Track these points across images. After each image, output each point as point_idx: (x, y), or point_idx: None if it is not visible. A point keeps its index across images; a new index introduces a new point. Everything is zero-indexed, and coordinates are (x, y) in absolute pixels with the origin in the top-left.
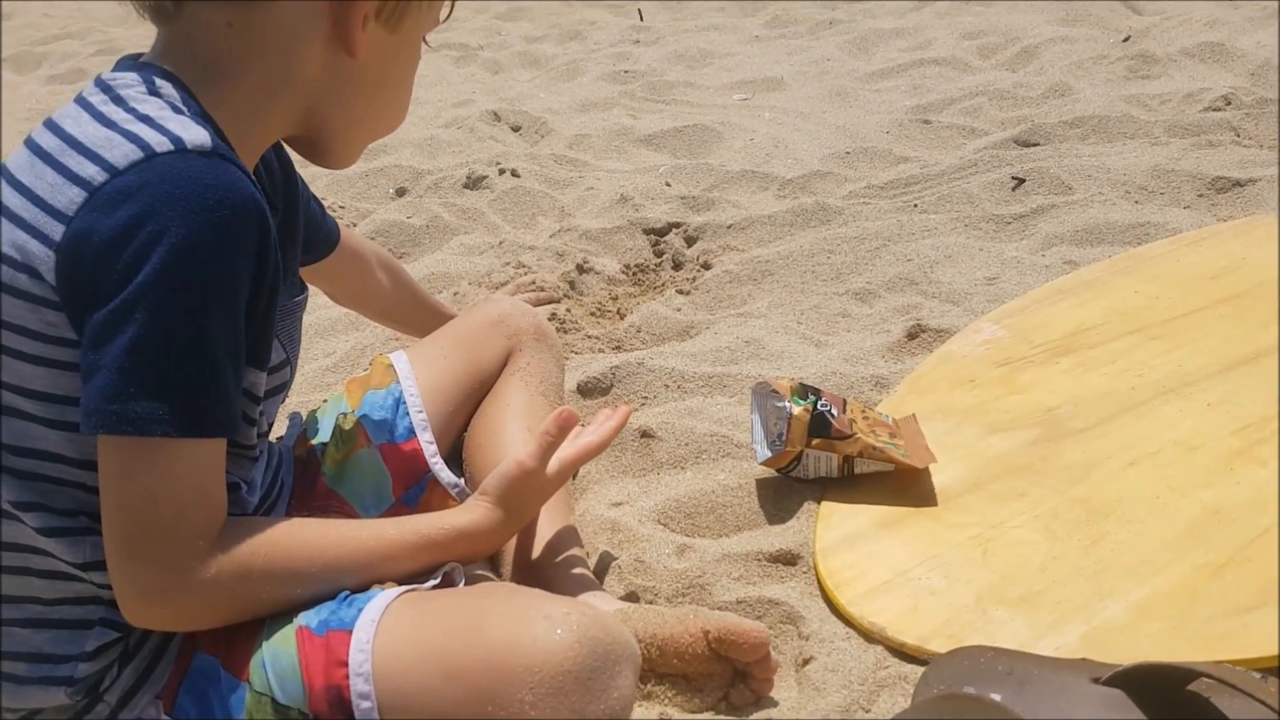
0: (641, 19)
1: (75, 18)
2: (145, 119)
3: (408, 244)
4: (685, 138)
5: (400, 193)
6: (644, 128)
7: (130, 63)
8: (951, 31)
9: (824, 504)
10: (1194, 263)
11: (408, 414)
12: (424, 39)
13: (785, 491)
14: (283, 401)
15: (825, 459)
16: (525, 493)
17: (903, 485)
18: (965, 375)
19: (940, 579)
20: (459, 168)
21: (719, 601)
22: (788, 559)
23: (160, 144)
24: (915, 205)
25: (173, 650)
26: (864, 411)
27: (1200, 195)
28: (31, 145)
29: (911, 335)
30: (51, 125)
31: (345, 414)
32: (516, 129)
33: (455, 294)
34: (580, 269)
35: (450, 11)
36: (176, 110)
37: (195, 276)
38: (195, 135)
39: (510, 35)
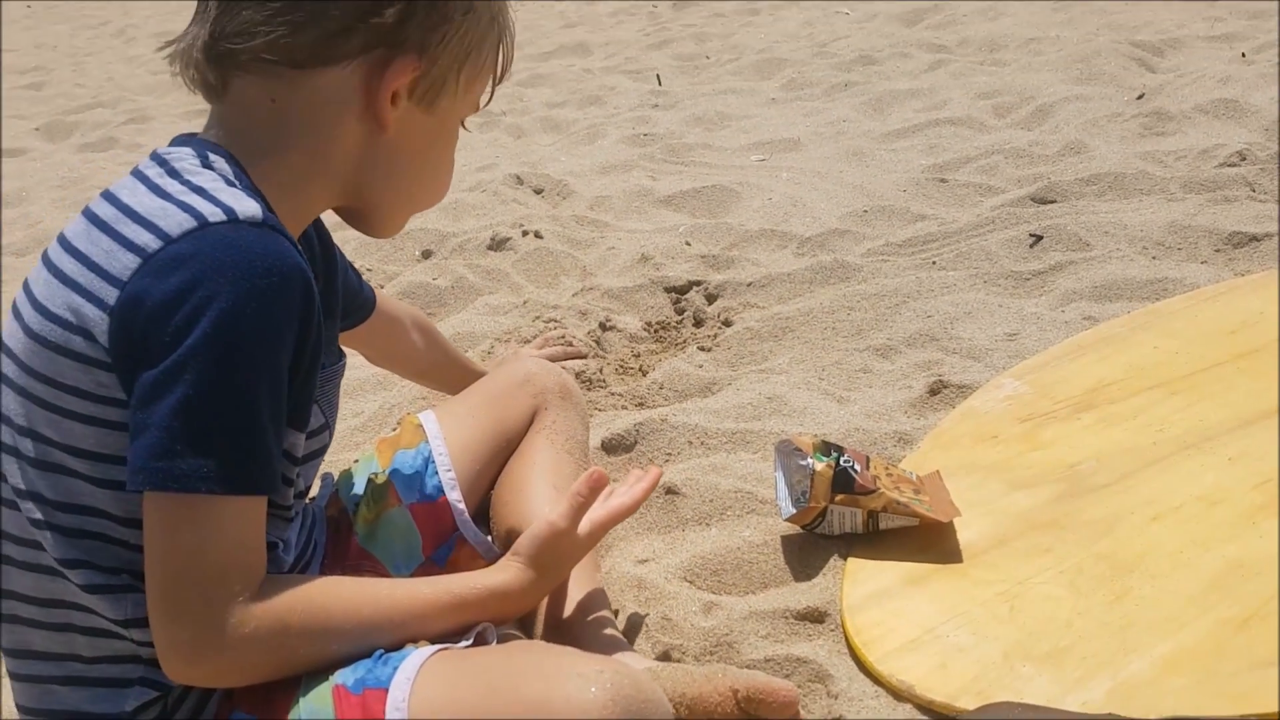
0: (660, 84)
1: (106, 87)
2: (198, 190)
3: (434, 305)
4: (704, 198)
5: (426, 255)
6: (663, 189)
7: (185, 138)
8: (966, 92)
9: (850, 560)
10: (1212, 318)
11: (437, 473)
12: (462, 123)
13: (811, 548)
14: (320, 464)
15: (850, 514)
16: (557, 553)
17: (928, 541)
18: (988, 431)
19: (968, 635)
20: (483, 230)
21: (747, 660)
22: (815, 616)
23: (213, 214)
24: (934, 262)
25: (210, 709)
26: (887, 468)
27: (1217, 250)
28: (89, 214)
29: (933, 391)
30: (109, 196)
31: (376, 473)
32: (539, 191)
33: (488, 352)
34: (603, 327)
35: (490, 99)
36: (229, 183)
37: (243, 340)
38: (246, 206)
39: (532, 101)
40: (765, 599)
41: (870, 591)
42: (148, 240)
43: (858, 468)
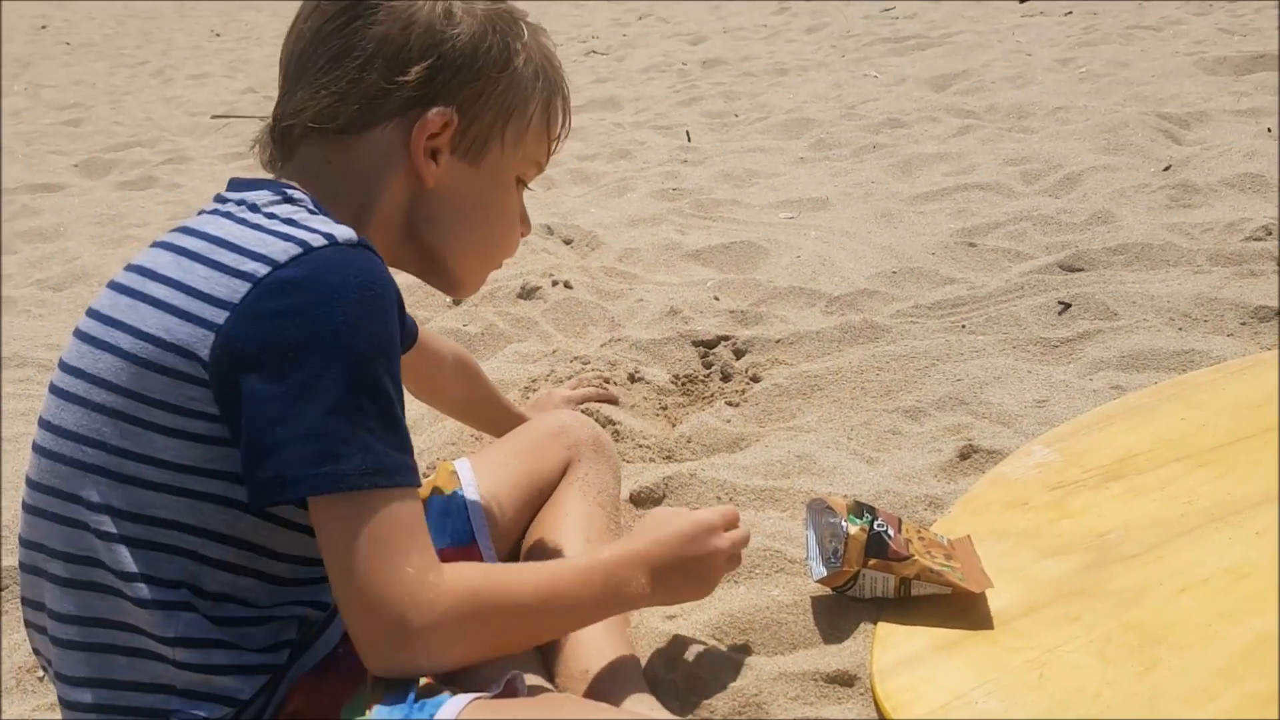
0: (689, 140)
1: (145, 126)
2: (290, 221)
3: (466, 349)
4: (732, 253)
5: (457, 302)
6: (692, 243)
7: (249, 182)
8: (994, 158)
9: (880, 625)
10: (1239, 390)
11: (469, 519)
12: (521, 180)
13: (841, 610)
14: None
15: (882, 580)
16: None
17: (959, 607)
18: (1018, 498)
19: (997, 703)
20: (514, 279)
21: None
22: (845, 680)
23: (315, 240)
24: (963, 326)
25: None
26: (919, 532)
27: (1243, 324)
28: (172, 248)
29: (964, 455)
30: (191, 231)
31: None
32: (568, 242)
33: (523, 396)
34: (631, 378)
35: (548, 158)
36: (312, 213)
37: (367, 346)
38: (343, 231)
39: (562, 154)
40: (794, 660)
41: (900, 656)
42: (254, 267)
43: (891, 532)
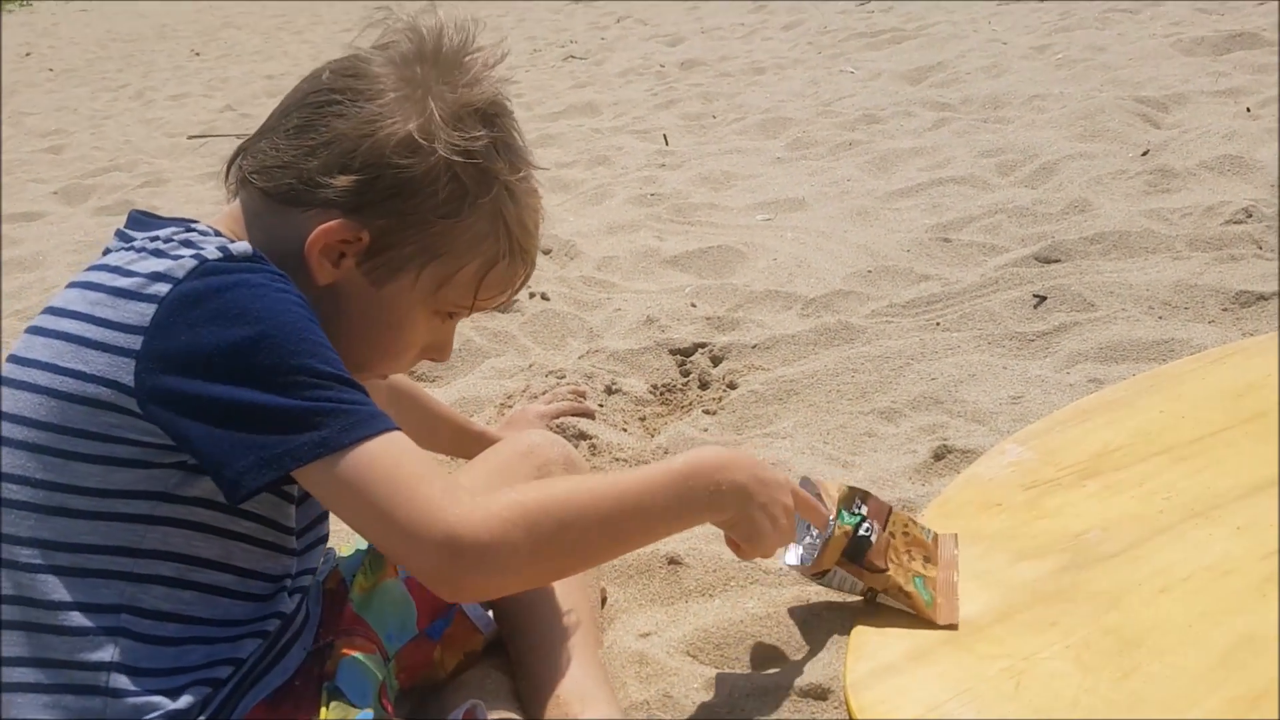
0: (667, 144)
1: (124, 150)
2: (186, 243)
3: (440, 367)
4: (710, 258)
5: None
6: (670, 249)
7: (151, 219)
8: (970, 150)
9: (854, 633)
10: (1219, 380)
11: None
12: (443, 313)
13: (814, 620)
14: (321, 550)
15: (851, 582)
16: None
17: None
18: (992, 499)
19: (973, 713)
20: None
21: None
22: (818, 693)
23: (210, 253)
24: (938, 324)
25: None
26: (906, 527)
27: (1224, 310)
28: (79, 284)
29: (938, 456)
30: (95, 267)
31: None
32: (546, 252)
33: (496, 417)
34: (609, 390)
35: (497, 308)
36: (212, 236)
37: (292, 325)
38: (239, 246)
39: (541, 161)
40: (769, 675)
41: (874, 667)
42: (157, 288)
43: (874, 536)
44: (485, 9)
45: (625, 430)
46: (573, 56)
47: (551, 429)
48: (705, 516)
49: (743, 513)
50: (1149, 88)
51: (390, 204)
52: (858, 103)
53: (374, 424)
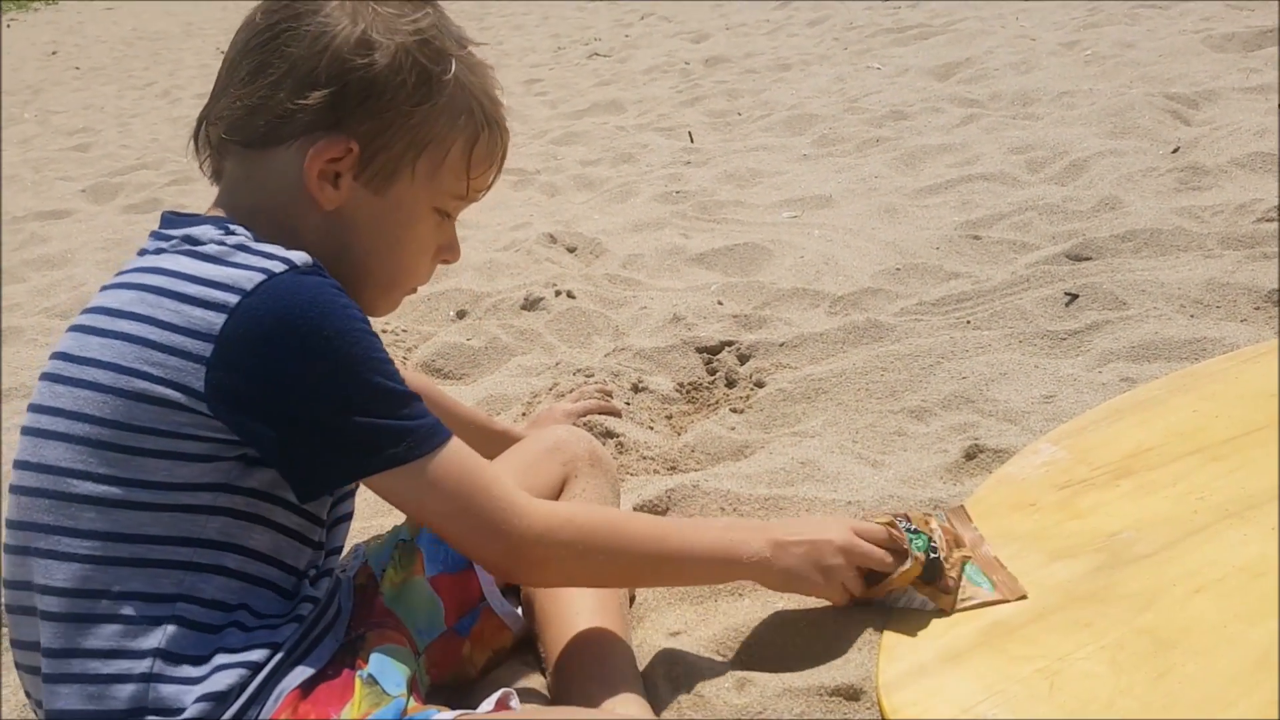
0: (692, 141)
1: (151, 148)
2: (243, 248)
3: (468, 365)
4: (736, 256)
5: (461, 315)
6: (695, 247)
7: (184, 217)
8: (999, 146)
9: (886, 635)
10: (1253, 379)
11: None
12: (443, 211)
13: (845, 622)
14: (348, 528)
15: (922, 600)
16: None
17: (966, 614)
18: (1025, 499)
19: (1006, 714)
20: (517, 290)
21: None
22: (850, 694)
23: (276, 266)
24: (968, 322)
25: None
26: (926, 521)
27: (1257, 308)
28: (132, 286)
29: (969, 456)
30: (147, 269)
31: (405, 540)
32: (572, 250)
33: (521, 414)
34: (635, 388)
35: (487, 189)
36: (258, 242)
37: (360, 343)
38: (299, 256)
39: (566, 159)
40: (799, 674)
41: (906, 668)
42: (224, 297)
43: (942, 555)
44: (508, 7)
45: (652, 428)
46: (597, 54)
47: (578, 427)
48: (754, 575)
49: (788, 580)
50: (1179, 84)
51: (366, 106)
52: (885, 99)
53: (438, 435)
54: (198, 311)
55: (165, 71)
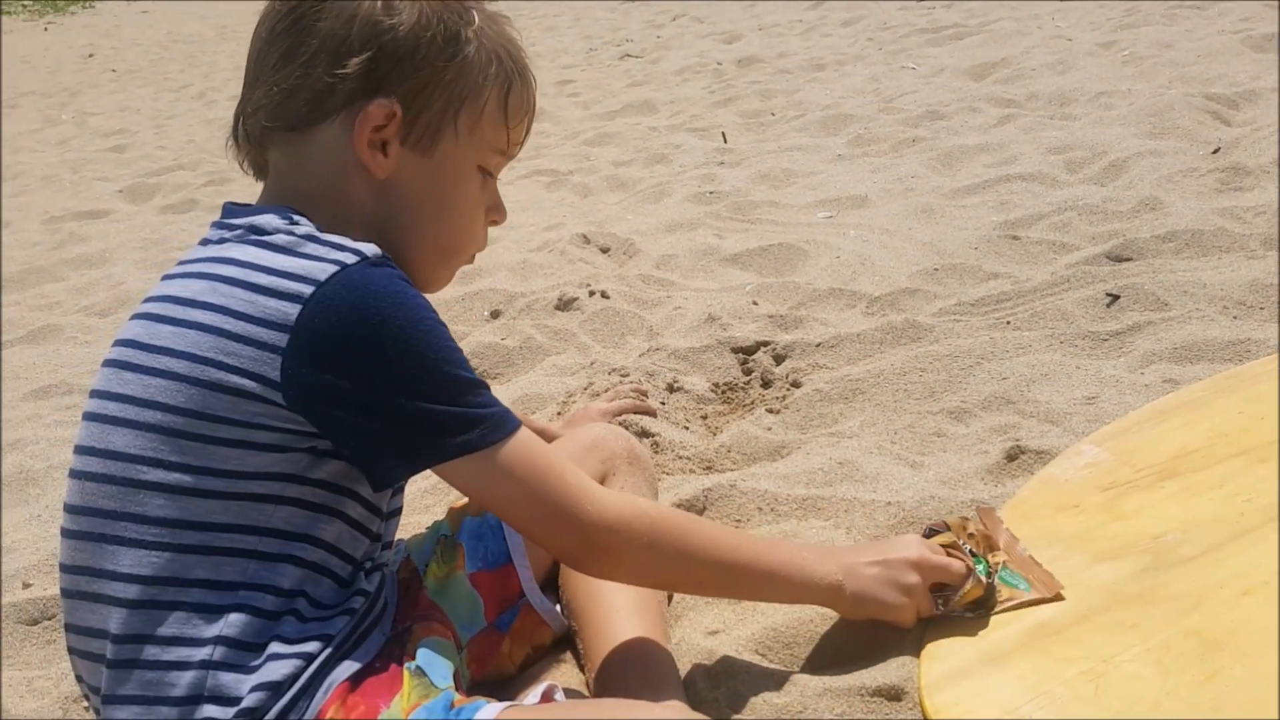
0: (725, 141)
1: (187, 149)
2: (311, 239)
3: (502, 365)
4: (771, 256)
5: (495, 315)
6: (729, 247)
7: (245, 206)
8: (1036, 146)
9: (928, 634)
10: None
11: (504, 540)
12: (485, 169)
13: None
14: (399, 521)
15: (960, 610)
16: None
17: (1009, 616)
18: (1068, 500)
19: (1050, 715)
20: (550, 290)
21: None
22: (892, 694)
23: (348, 257)
24: (1008, 322)
25: None
26: (965, 525)
27: None
28: (203, 276)
29: (1011, 457)
30: (215, 259)
31: (446, 536)
32: (605, 251)
33: (563, 409)
34: (670, 388)
35: (523, 142)
36: (324, 233)
37: (432, 333)
38: (369, 247)
39: (599, 160)
40: (840, 674)
41: (949, 670)
42: (299, 288)
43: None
44: (540, 8)
45: (687, 428)
46: (629, 55)
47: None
48: (825, 597)
49: (861, 604)
50: (1218, 85)
51: (402, 67)
52: (920, 99)
53: (510, 423)
54: (272, 302)
55: (200, 74)
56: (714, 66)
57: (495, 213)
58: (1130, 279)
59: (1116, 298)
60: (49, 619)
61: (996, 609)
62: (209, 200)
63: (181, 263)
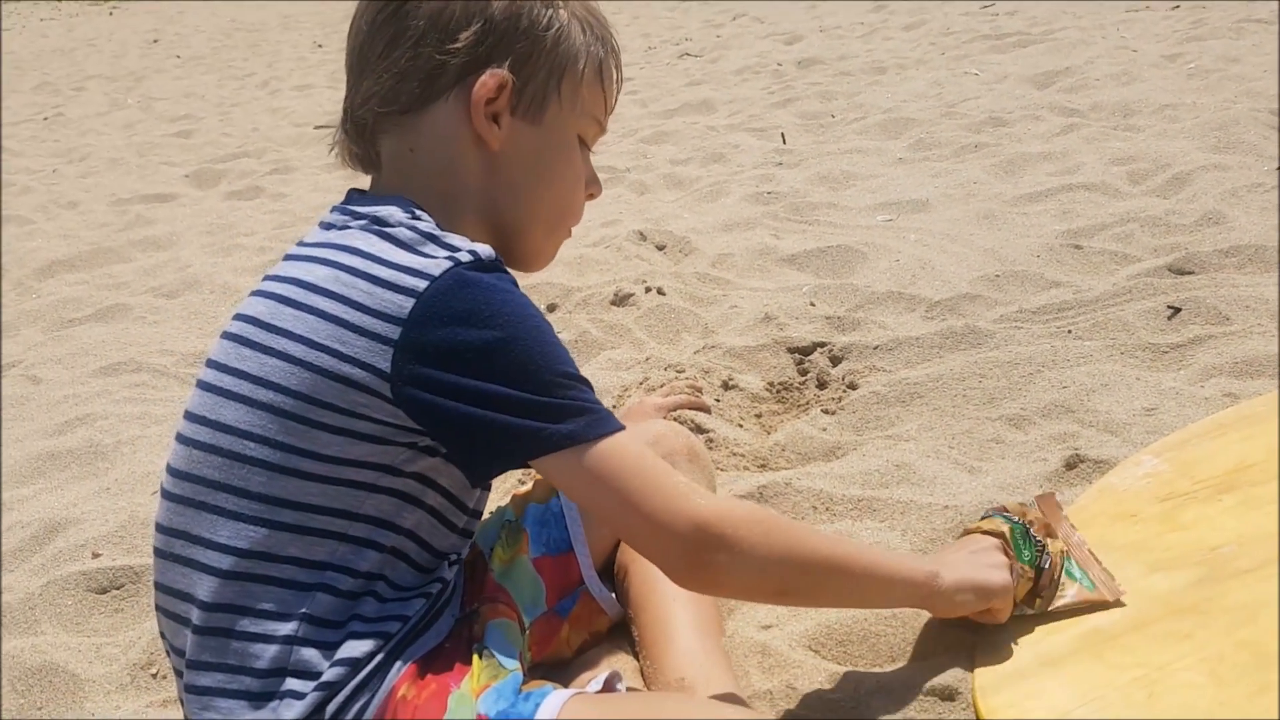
0: (784, 142)
1: (252, 137)
2: (431, 237)
3: None
4: (829, 258)
5: (551, 309)
6: (787, 247)
7: (369, 196)
8: (1100, 157)
9: (982, 635)
10: None
11: (566, 528)
12: (584, 141)
13: (938, 621)
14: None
15: (1021, 607)
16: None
17: (1065, 622)
18: (1126, 510)
19: None
20: (607, 285)
21: None
22: (946, 694)
23: (462, 255)
24: (1069, 331)
25: None
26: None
27: None
28: (326, 262)
29: (1070, 465)
30: (340, 247)
31: (511, 521)
32: (661, 248)
33: (618, 403)
34: (725, 386)
35: (607, 112)
36: (445, 233)
37: (538, 329)
38: (484, 249)
39: (656, 158)
40: (893, 673)
41: (1004, 672)
42: (414, 283)
43: (1047, 562)
44: (600, 7)
45: (741, 426)
46: (688, 54)
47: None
48: (926, 599)
49: (954, 608)
50: None
51: (509, 37)
52: (983, 105)
53: (613, 421)
54: (389, 295)
55: (264, 63)
56: (774, 67)
57: (593, 185)
58: (1192, 292)
59: (1178, 310)
60: (117, 589)
61: (1054, 605)
62: (274, 188)
63: (303, 244)
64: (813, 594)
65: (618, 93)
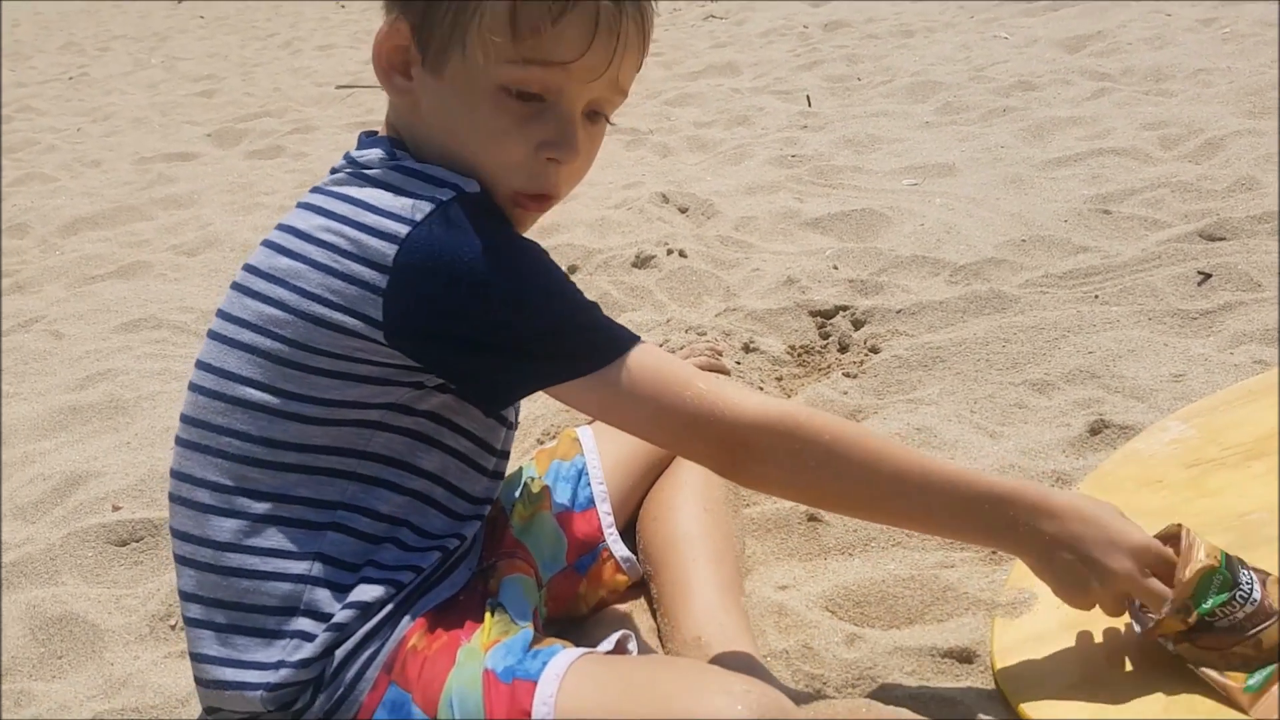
0: (809, 105)
1: (274, 97)
2: (408, 172)
3: None
4: (853, 221)
5: (572, 270)
6: (810, 211)
7: (367, 140)
8: (1131, 121)
9: (1001, 601)
10: None
11: (589, 485)
12: (509, 89)
13: (959, 585)
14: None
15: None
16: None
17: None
18: (1153, 475)
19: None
20: (628, 247)
21: (891, 696)
22: (963, 656)
23: (444, 193)
24: (1096, 296)
25: (368, 681)
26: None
27: None
28: (320, 210)
29: (1094, 431)
30: (333, 195)
31: (533, 478)
32: (684, 210)
33: None
34: (746, 348)
35: (578, 55)
36: (425, 168)
37: (538, 258)
38: (469, 183)
39: (679, 120)
40: (910, 634)
41: (1024, 635)
42: (396, 228)
43: (1241, 614)
44: None
45: (762, 388)
46: (713, 16)
47: None
48: (1002, 546)
49: (1049, 568)
50: None
51: None
52: (1012, 69)
53: (628, 337)
54: (373, 241)
55: (287, 24)
56: (800, 30)
57: (551, 149)
58: (1223, 258)
59: (1208, 276)
60: (137, 541)
61: (1201, 666)
62: (295, 147)
63: (313, 189)
64: (864, 506)
65: (549, 30)
